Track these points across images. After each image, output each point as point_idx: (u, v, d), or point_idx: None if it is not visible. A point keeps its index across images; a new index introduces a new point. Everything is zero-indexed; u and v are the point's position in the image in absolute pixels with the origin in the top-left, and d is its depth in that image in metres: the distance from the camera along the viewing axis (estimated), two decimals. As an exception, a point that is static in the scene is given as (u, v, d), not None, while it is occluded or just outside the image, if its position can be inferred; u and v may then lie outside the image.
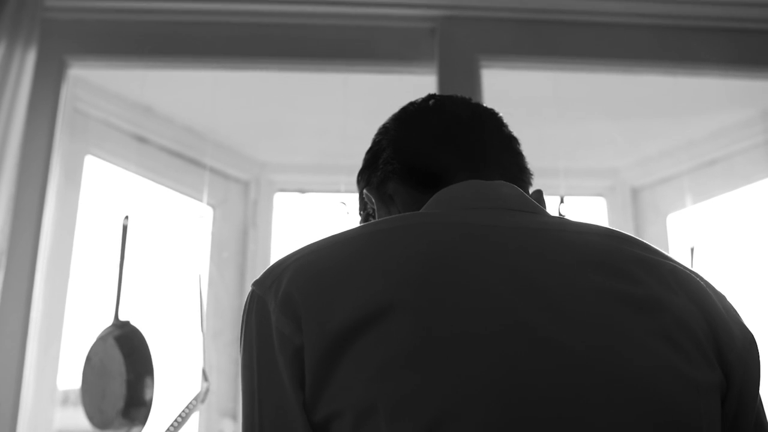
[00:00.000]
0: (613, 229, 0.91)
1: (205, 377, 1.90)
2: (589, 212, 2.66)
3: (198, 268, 2.14)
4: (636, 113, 2.42)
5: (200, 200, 2.30)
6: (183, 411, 1.85)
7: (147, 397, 1.82)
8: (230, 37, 2.07)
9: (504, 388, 0.71)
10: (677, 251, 2.38)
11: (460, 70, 1.99)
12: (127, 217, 1.99)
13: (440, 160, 0.99)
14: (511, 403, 0.71)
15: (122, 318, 1.91)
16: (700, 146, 2.47)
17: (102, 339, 1.88)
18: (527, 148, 1.06)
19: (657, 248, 0.89)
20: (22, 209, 1.87)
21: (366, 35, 2.08)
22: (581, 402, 0.72)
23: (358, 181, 1.09)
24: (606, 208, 2.66)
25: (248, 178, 2.57)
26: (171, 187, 2.40)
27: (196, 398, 1.87)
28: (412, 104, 1.08)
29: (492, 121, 1.06)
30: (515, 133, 1.07)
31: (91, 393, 1.86)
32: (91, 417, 1.84)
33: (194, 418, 1.94)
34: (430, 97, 1.09)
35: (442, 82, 1.96)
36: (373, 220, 1.03)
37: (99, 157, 2.24)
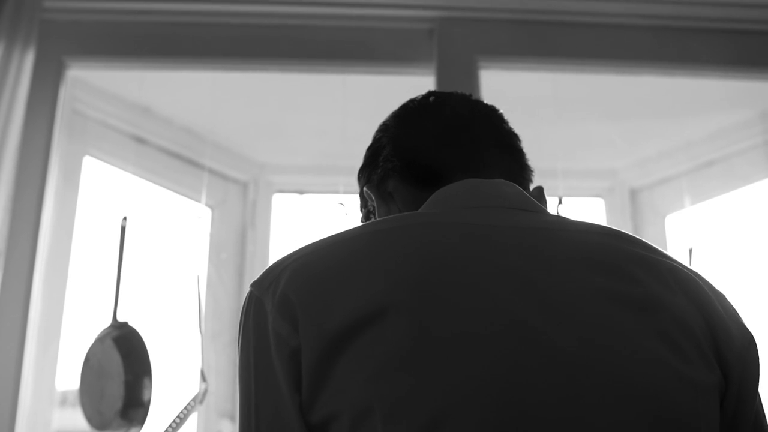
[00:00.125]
0: (613, 228, 0.91)
1: (203, 378, 1.90)
2: (588, 213, 2.67)
3: (196, 269, 2.14)
4: (635, 114, 2.42)
5: (199, 201, 2.30)
6: (181, 412, 1.85)
7: (145, 398, 1.82)
8: (229, 38, 2.07)
9: (501, 388, 0.71)
10: (676, 252, 2.38)
11: (458, 71, 1.99)
12: (125, 218, 1.99)
13: (440, 157, 0.99)
14: (508, 403, 0.71)
15: (120, 319, 1.91)
16: (698, 147, 2.47)
17: (100, 340, 1.88)
18: (526, 149, 1.06)
19: (656, 247, 0.89)
20: (20, 210, 1.87)
21: (364, 36, 2.08)
22: (579, 402, 0.72)
23: (359, 179, 1.08)
24: (604, 208, 2.66)
25: (247, 179, 2.57)
26: (169, 188, 2.40)
27: (194, 399, 1.87)
28: (412, 101, 1.08)
29: (492, 117, 1.06)
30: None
31: (90, 394, 1.86)
32: (90, 418, 1.84)
33: (193, 419, 1.94)
34: (430, 94, 1.08)
35: (440, 83, 1.96)
36: (373, 219, 1.03)
37: (97, 157, 2.24)
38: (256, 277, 0.84)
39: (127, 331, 1.88)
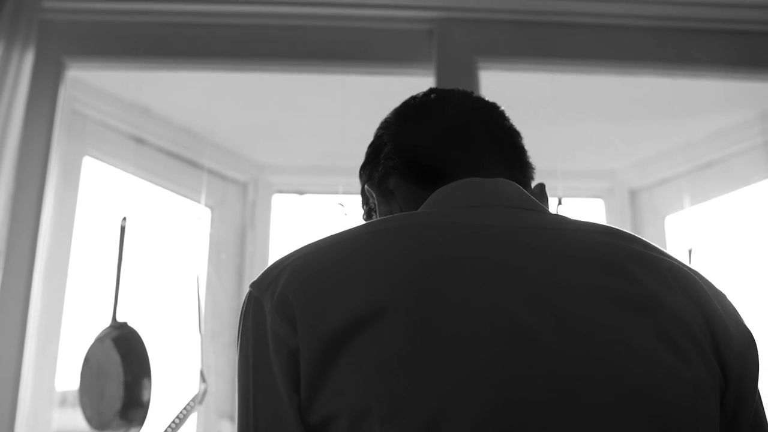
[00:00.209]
0: (613, 226, 0.90)
1: (203, 378, 1.90)
2: (587, 214, 2.67)
3: (196, 270, 2.14)
4: (634, 115, 2.42)
5: (198, 201, 2.30)
6: (181, 412, 1.85)
7: (144, 398, 1.82)
8: (228, 38, 2.07)
9: (498, 388, 0.71)
10: (675, 253, 2.37)
11: (457, 72, 1.99)
12: (125, 218, 1.99)
13: (441, 155, 0.99)
14: (505, 402, 0.71)
15: (120, 319, 1.91)
16: (698, 148, 2.47)
17: (100, 340, 1.88)
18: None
19: (656, 246, 0.89)
20: (20, 210, 1.87)
21: (364, 37, 2.08)
22: (576, 401, 0.72)
23: (360, 175, 1.08)
24: (604, 209, 2.66)
25: (246, 180, 2.57)
26: (169, 189, 2.40)
27: (194, 399, 1.87)
28: (413, 98, 1.07)
29: (494, 114, 1.05)
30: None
31: (89, 394, 1.86)
32: (89, 418, 1.84)
33: (192, 419, 1.94)
34: (432, 91, 1.08)
35: (439, 84, 1.96)
36: (374, 216, 1.03)
37: (97, 158, 2.24)
38: (255, 278, 0.84)
39: (127, 332, 1.89)
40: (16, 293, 1.83)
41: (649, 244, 0.89)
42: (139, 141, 2.34)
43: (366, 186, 1.04)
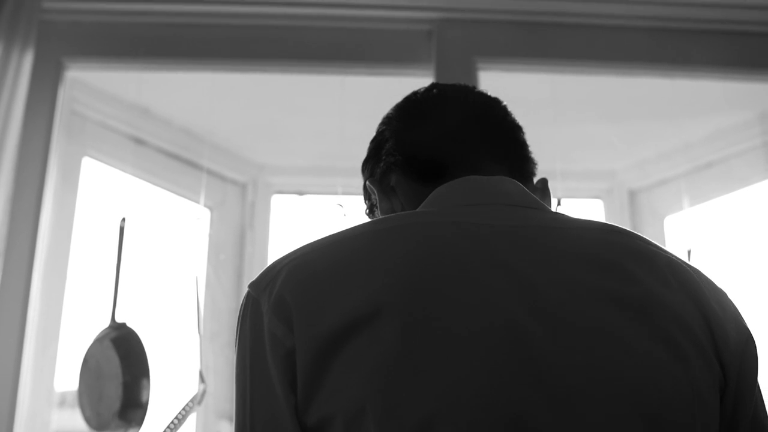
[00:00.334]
0: (613, 224, 0.90)
1: (202, 379, 1.90)
2: (587, 215, 2.65)
3: (195, 270, 2.14)
4: (633, 115, 2.42)
5: (197, 202, 2.29)
6: (180, 413, 1.85)
7: (143, 399, 1.82)
8: (228, 39, 2.07)
9: (492, 389, 0.71)
10: (674, 253, 2.38)
11: (457, 72, 1.99)
12: (124, 219, 1.99)
13: (442, 152, 0.98)
14: (499, 403, 0.70)
15: (119, 320, 1.91)
16: (697, 149, 2.47)
17: (99, 341, 1.88)
18: (525, 150, 1.05)
19: (656, 243, 0.89)
20: (19, 211, 1.87)
21: (363, 37, 2.08)
22: (570, 403, 0.72)
23: (362, 171, 1.08)
24: (603, 210, 2.66)
25: (245, 180, 2.57)
26: (168, 189, 2.40)
27: (192, 400, 1.87)
28: (415, 94, 1.07)
29: (495, 110, 1.05)
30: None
31: (88, 395, 1.86)
32: (88, 419, 1.84)
33: (191, 419, 1.94)
34: (434, 86, 1.07)
35: (439, 85, 1.96)
36: (377, 211, 1.03)
37: (96, 158, 2.24)
38: (254, 278, 0.84)
39: (126, 332, 1.88)
40: (15, 294, 1.83)
41: (649, 240, 0.89)
42: (139, 141, 2.34)
43: (367, 182, 1.04)
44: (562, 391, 0.72)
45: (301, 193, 2.64)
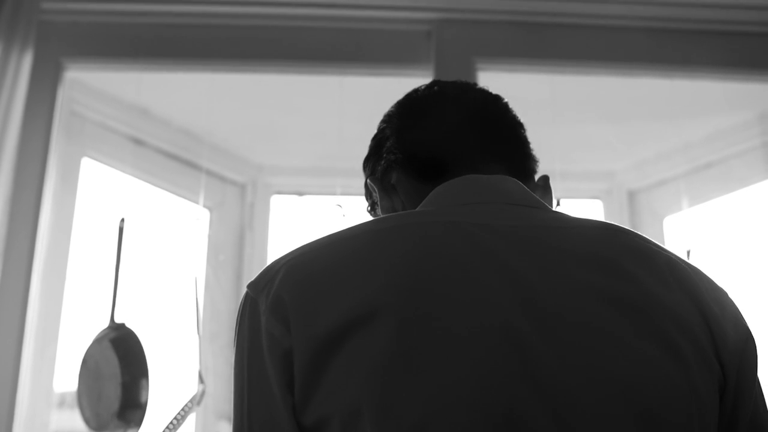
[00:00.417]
0: (612, 222, 0.90)
1: (201, 380, 1.90)
2: (586, 215, 2.66)
3: (194, 271, 2.14)
4: (632, 116, 2.42)
5: (197, 203, 2.29)
6: (179, 413, 1.85)
7: (142, 399, 1.82)
8: (227, 39, 2.07)
9: (487, 390, 0.71)
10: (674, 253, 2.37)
11: (456, 73, 1.98)
12: (123, 220, 1.99)
13: (443, 150, 0.98)
14: (494, 404, 0.70)
15: (118, 320, 1.91)
16: (696, 149, 2.47)
17: (98, 341, 1.88)
18: (524, 150, 1.05)
19: (656, 242, 0.89)
20: (18, 212, 1.87)
21: (362, 38, 2.08)
22: (564, 403, 0.72)
23: (364, 168, 1.08)
24: (602, 210, 2.66)
25: (245, 181, 2.57)
26: (167, 190, 2.40)
27: (192, 401, 1.87)
28: (415, 91, 1.07)
29: (497, 107, 1.05)
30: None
31: (88, 395, 1.86)
32: (87, 419, 1.84)
33: (190, 420, 1.94)
34: (435, 83, 1.07)
35: (438, 85, 1.96)
36: (377, 211, 1.03)
37: (95, 159, 2.24)
38: (253, 278, 0.84)
39: (125, 333, 1.88)
40: (14, 294, 1.83)
41: (649, 239, 0.89)
42: (138, 142, 2.34)
43: (368, 180, 1.04)
44: (556, 391, 0.72)
45: (300, 194, 2.64)
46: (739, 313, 0.88)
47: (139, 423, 1.81)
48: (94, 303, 2.05)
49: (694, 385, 0.77)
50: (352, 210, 2.07)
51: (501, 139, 1.01)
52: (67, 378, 2.02)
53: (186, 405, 1.86)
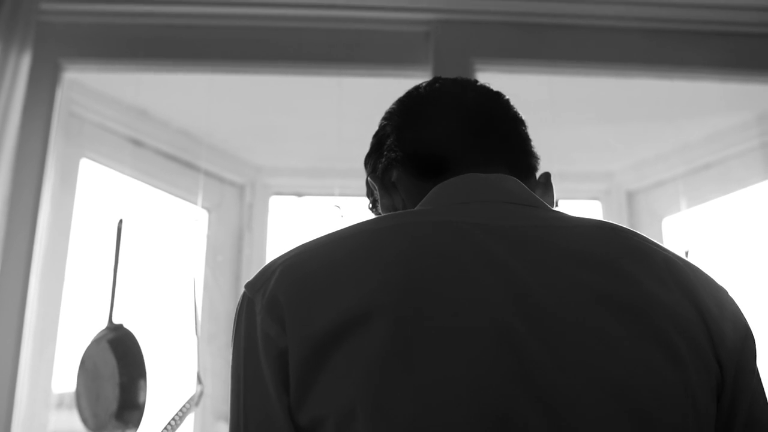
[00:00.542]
0: (611, 222, 0.90)
1: (199, 380, 1.90)
2: (585, 216, 2.66)
3: (193, 272, 2.14)
4: (631, 117, 2.42)
5: (195, 203, 2.29)
6: (177, 414, 1.85)
7: (140, 400, 1.82)
8: (225, 40, 2.07)
9: (481, 388, 0.71)
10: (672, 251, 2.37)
11: (454, 74, 1.94)
12: (121, 220, 1.99)
13: (443, 148, 0.98)
14: (488, 405, 0.70)
15: (116, 321, 1.91)
16: (695, 150, 2.47)
17: (96, 342, 1.88)
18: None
19: (654, 240, 0.89)
20: (16, 212, 1.87)
21: (361, 39, 2.08)
22: (557, 404, 0.72)
23: (365, 165, 1.08)
24: (601, 211, 2.66)
25: (243, 182, 2.57)
26: (166, 191, 2.40)
27: (190, 401, 1.87)
28: (416, 88, 1.06)
29: (497, 104, 1.04)
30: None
31: (86, 396, 1.86)
32: (86, 420, 1.84)
33: (189, 421, 1.94)
34: (436, 80, 1.07)
35: (437, 86, 1.96)
36: (378, 209, 1.03)
37: (94, 160, 2.24)
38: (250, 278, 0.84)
39: (123, 334, 1.88)
40: (12, 295, 1.83)
41: (647, 237, 0.88)
42: (137, 143, 2.34)
43: (369, 178, 1.04)
44: (551, 391, 0.72)
45: (299, 195, 2.64)
46: (739, 310, 0.88)
47: (137, 424, 1.81)
48: (92, 304, 2.05)
49: (691, 385, 0.77)
50: (350, 211, 2.07)
51: (501, 137, 1.00)
52: (65, 379, 2.01)
53: (184, 406, 1.86)
